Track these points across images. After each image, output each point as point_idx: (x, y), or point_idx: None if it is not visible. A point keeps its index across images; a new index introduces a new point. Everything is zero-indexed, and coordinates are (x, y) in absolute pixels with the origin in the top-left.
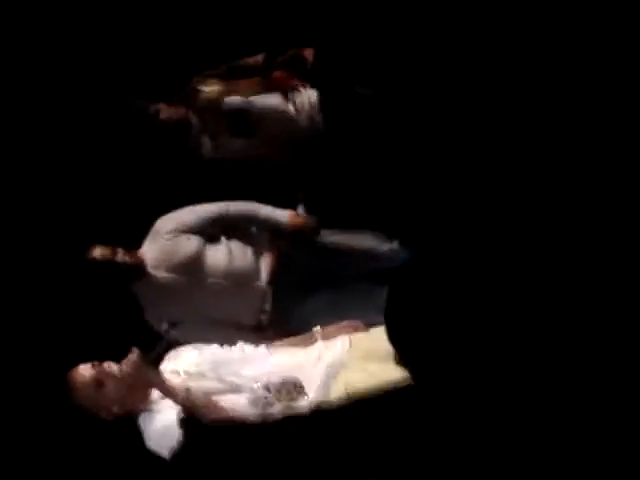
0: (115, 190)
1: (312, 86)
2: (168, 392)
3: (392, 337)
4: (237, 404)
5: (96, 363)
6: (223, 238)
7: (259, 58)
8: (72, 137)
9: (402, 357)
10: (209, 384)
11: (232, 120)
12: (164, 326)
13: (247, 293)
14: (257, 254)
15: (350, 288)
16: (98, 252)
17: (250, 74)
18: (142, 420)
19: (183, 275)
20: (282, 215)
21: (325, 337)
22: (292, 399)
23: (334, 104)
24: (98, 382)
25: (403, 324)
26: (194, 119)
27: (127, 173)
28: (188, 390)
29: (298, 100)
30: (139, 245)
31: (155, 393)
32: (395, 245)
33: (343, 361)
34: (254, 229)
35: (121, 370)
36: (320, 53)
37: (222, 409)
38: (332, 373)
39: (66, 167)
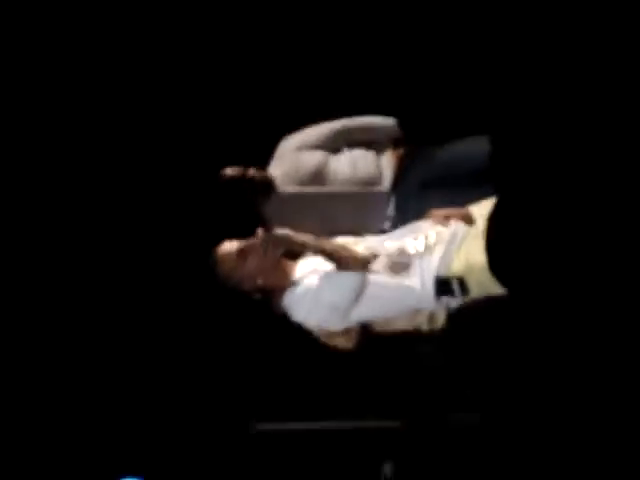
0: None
1: None
2: (300, 244)
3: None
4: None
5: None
6: (346, 149)
7: None
8: None
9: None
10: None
11: None
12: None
13: (372, 199)
14: (379, 160)
15: (462, 189)
16: (230, 171)
17: None
18: (287, 297)
19: (310, 186)
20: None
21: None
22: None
23: None
24: (241, 252)
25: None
26: None
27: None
28: (318, 239)
29: None
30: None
31: (295, 272)
32: None
33: (464, 233)
34: (375, 139)
35: (256, 240)
36: None
37: (354, 252)
38: (455, 242)
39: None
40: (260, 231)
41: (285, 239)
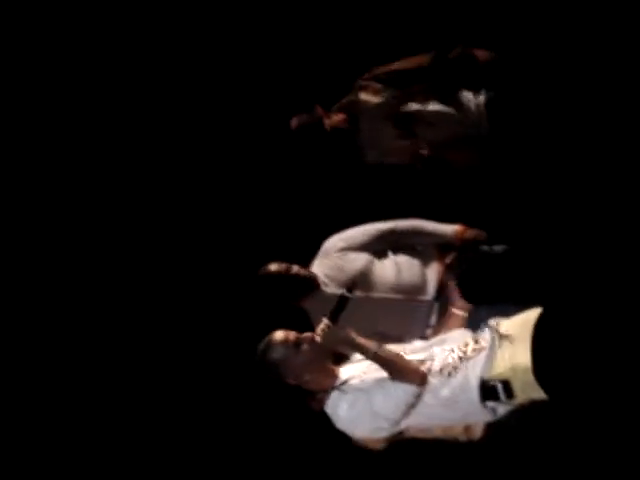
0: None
1: (482, 88)
2: (362, 347)
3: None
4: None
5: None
6: (390, 253)
7: (424, 59)
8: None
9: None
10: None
11: (399, 124)
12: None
13: (415, 307)
14: (424, 268)
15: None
16: (274, 267)
17: (415, 76)
18: (332, 399)
19: (353, 290)
20: (449, 229)
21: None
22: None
23: (502, 108)
24: (297, 341)
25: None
26: (360, 124)
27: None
28: (381, 345)
29: (465, 102)
30: (308, 264)
31: (342, 373)
32: None
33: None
34: (420, 244)
35: (316, 333)
36: (496, 56)
37: (412, 364)
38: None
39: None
40: (325, 324)
41: (348, 338)
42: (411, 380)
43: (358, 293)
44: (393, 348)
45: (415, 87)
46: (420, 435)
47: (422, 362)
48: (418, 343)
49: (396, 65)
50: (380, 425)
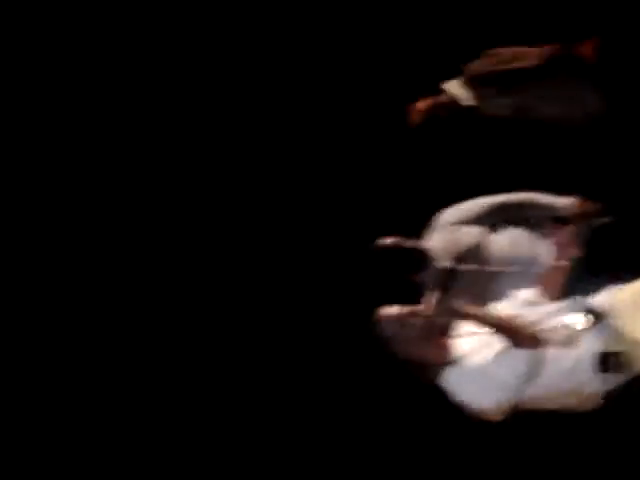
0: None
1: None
2: (475, 316)
3: None
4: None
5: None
6: (504, 227)
7: (534, 58)
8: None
9: None
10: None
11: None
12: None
13: (530, 279)
14: (539, 242)
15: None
16: (390, 241)
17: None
18: (451, 374)
19: (467, 264)
20: (565, 202)
21: None
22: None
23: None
24: (409, 315)
25: None
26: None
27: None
28: (494, 313)
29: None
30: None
31: (455, 350)
32: None
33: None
34: (534, 217)
35: (426, 308)
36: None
37: (528, 328)
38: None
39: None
40: (436, 295)
41: (461, 308)
42: (529, 344)
43: (471, 266)
44: (506, 315)
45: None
46: (538, 406)
47: (538, 327)
48: (532, 309)
49: (509, 63)
50: (506, 396)
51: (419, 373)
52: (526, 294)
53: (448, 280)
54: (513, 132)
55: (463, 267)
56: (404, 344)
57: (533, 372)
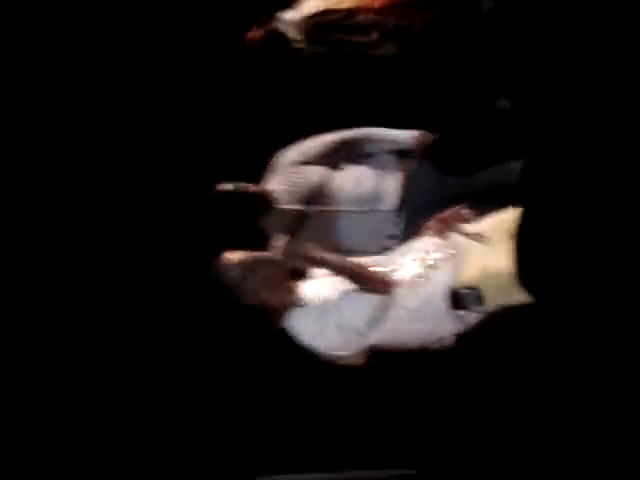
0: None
1: None
2: (323, 260)
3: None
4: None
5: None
6: (347, 164)
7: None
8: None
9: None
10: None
11: None
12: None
13: (376, 218)
14: (384, 178)
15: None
16: (226, 186)
17: None
18: (296, 316)
19: (311, 205)
20: (407, 135)
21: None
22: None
23: None
24: (253, 261)
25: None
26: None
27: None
28: (343, 257)
29: None
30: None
31: (300, 292)
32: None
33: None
34: (378, 153)
35: (274, 250)
36: None
37: (377, 274)
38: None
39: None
40: (283, 240)
41: (308, 253)
42: (377, 290)
43: (315, 207)
44: (357, 260)
45: None
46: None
47: (387, 273)
48: (383, 255)
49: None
50: (348, 338)
51: (267, 318)
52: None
53: (294, 223)
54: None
55: (307, 209)
56: (249, 290)
57: (377, 315)
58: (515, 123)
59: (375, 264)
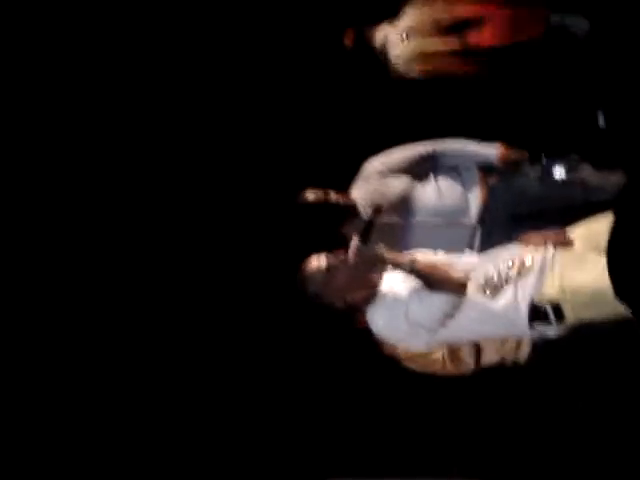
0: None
1: None
2: (395, 261)
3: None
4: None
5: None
6: (432, 176)
7: None
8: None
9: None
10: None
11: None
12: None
13: (457, 231)
14: (466, 191)
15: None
16: (312, 195)
17: None
18: (372, 308)
19: (394, 215)
20: (492, 149)
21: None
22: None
23: None
24: (330, 265)
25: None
26: None
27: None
28: (413, 260)
29: None
30: (347, 189)
31: (382, 285)
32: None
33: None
34: (463, 166)
35: (349, 255)
36: None
37: (450, 274)
38: (549, 267)
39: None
40: (355, 243)
41: (381, 255)
42: (449, 290)
43: (396, 218)
44: (430, 260)
45: None
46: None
47: (461, 272)
48: (459, 260)
49: None
50: (416, 332)
51: (352, 319)
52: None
53: (365, 227)
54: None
55: (388, 219)
56: (335, 293)
57: (447, 312)
58: (612, 140)
59: (450, 263)
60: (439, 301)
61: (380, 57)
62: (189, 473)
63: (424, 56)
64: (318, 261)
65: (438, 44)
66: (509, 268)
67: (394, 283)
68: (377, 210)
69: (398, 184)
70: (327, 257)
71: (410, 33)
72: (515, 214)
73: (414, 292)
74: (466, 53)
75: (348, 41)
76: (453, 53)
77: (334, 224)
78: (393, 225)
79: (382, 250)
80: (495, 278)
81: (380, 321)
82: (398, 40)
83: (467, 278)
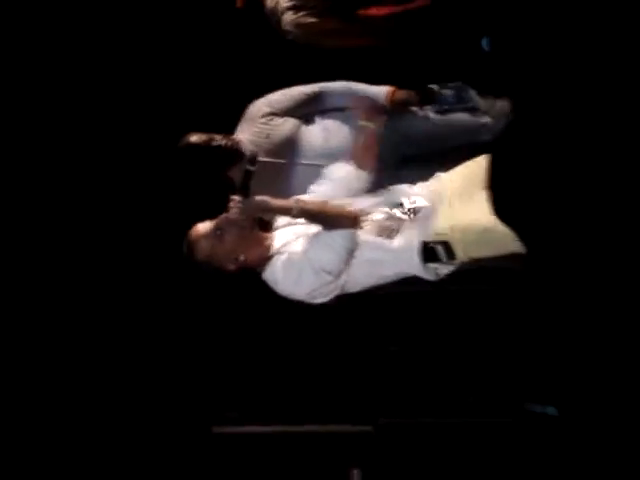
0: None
1: None
2: (280, 206)
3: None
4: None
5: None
6: (318, 118)
7: None
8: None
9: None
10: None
11: None
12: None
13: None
14: (354, 131)
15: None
16: (195, 138)
17: None
18: (270, 266)
19: (280, 157)
20: (380, 91)
21: None
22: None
23: None
24: (216, 230)
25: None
26: None
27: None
28: (299, 200)
29: None
30: (232, 131)
31: (274, 243)
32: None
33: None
34: (350, 108)
35: (232, 213)
36: None
37: (342, 207)
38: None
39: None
40: (236, 198)
41: (265, 204)
42: (345, 224)
43: (282, 160)
44: (318, 200)
45: None
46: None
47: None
48: (350, 204)
49: None
50: (324, 279)
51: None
52: (340, 171)
53: (244, 178)
54: None
55: (275, 160)
56: (225, 256)
57: (349, 248)
58: (497, 65)
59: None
60: (340, 238)
61: (270, 20)
62: None
63: (313, 31)
64: (202, 226)
65: (325, 22)
66: (401, 209)
67: (288, 236)
68: (253, 159)
69: (284, 125)
70: (211, 221)
71: (298, 6)
72: (405, 155)
73: (312, 238)
74: (358, 27)
75: (239, 1)
76: (340, 30)
77: (219, 167)
78: (278, 167)
79: (264, 198)
80: (387, 220)
81: (286, 280)
82: (287, 9)
83: (364, 214)
